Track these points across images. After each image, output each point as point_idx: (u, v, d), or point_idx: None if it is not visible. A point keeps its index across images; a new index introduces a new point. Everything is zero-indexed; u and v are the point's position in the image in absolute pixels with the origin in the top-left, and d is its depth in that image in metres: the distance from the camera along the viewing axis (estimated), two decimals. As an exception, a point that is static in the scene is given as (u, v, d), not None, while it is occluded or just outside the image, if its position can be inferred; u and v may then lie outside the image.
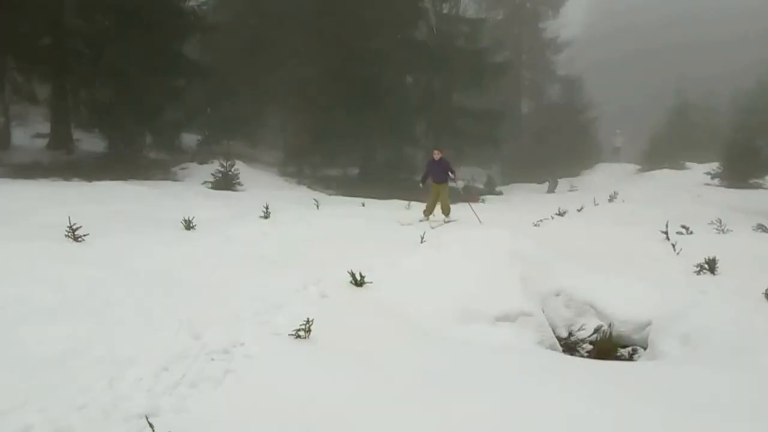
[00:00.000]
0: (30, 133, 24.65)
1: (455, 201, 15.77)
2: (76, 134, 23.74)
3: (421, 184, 15.25)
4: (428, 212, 14.68)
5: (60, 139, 22.76)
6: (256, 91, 28.89)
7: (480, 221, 14.31)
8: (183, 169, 22.94)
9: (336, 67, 26.89)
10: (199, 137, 28.41)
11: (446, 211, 14.54)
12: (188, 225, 11.45)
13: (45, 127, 24.49)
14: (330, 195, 22.59)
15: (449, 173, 14.54)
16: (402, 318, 7.01)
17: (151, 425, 3.72)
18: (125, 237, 10.11)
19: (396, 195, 20.03)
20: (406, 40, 28.83)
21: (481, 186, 33.14)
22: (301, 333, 5.75)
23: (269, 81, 29.14)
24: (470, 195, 28.59)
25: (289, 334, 5.79)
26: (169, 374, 4.88)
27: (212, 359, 5.24)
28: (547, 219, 15.96)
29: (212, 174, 20.61)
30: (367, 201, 14.68)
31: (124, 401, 4.36)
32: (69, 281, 7.36)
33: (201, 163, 23.45)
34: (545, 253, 10.10)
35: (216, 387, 4.75)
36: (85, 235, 9.40)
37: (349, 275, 7.96)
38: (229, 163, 20.89)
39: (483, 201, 27.19)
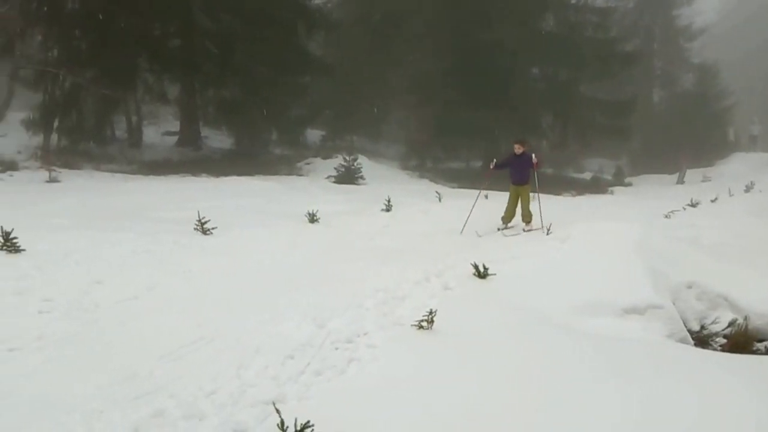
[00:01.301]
0: (161, 132, 26.26)
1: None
2: (204, 132, 25.06)
3: (492, 163, 12.30)
4: (507, 219, 12.08)
5: (189, 137, 24.08)
6: (378, 87, 29.20)
7: (542, 224, 11.28)
8: (307, 164, 23.59)
9: (459, 61, 26.68)
10: (323, 133, 29.05)
11: (527, 218, 11.87)
12: (312, 218, 11.70)
13: (174, 126, 26.11)
14: (452, 188, 22.41)
15: (531, 169, 11.84)
16: (527, 310, 6.76)
17: (278, 411, 3.73)
18: (251, 230, 10.45)
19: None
20: (531, 31, 28.15)
21: (610, 177, 31.85)
22: (424, 324, 5.64)
23: (392, 76, 29.38)
24: (598, 186, 27.68)
25: (411, 325, 5.70)
26: (294, 362, 4.93)
27: (336, 348, 5.26)
28: (678, 210, 15.10)
29: (335, 168, 21.05)
30: (491, 193, 14.38)
31: (251, 388, 4.44)
32: (198, 272, 7.70)
33: (325, 158, 23.96)
34: (676, 244, 9.58)
35: (340, 375, 4.75)
36: (213, 228, 9.81)
37: (472, 267, 7.78)
38: (352, 157, 21.27)
39: (611, 192, 26.17)
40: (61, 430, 3.72)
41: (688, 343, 7.25)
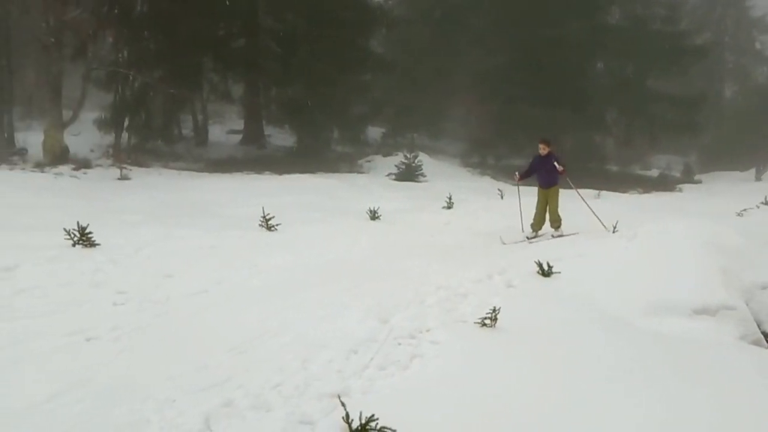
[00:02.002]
0: (225, 130, 26.92)
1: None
2: (268, 130, 25.50)
3: (516, 175, 11.69)
4: (536, 226, 11.10)
5: (253, 135, 24.61)
6: (440, 83, 29.12)
7: (605, 226, 10.56)
8: (368, 161, 23.77)
9: (522, 56, 26.40)
10: (384, 130, 29.15)
11: (556, 223, 10.94)
12: (373, 215, 11.77)
13: (239, 124, 26.79)
14: (514, 185, 22.17)
15: (557, 171, 10.66)
16: (592, 309, 6.64)
17: (343, 404, 3.77)
18: (314, 226, 10.62)
19: (584, 184, 19.18)
20: (597, 25, 27.63)
21: (678, 175, 30.92)
22: (487, 321, 5.59)
23: (454, 72, 29.25)
24: (666, 184, 26.91)
25: (474, 322, 5.66)
26: (358, 357, 4.97)
27: (399, 344, 5.27)
28: (752, 208, 14.53)
29: (396, 166, 21.12)
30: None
31: (316, 381, 4.49)
32: (263, 267, 7.88)
33: (385, 155, 24.12)
34: (750, 243, 9.20)
35: (403, 370, 4.76)
36: (277, 225, 9.99)
37: (535, 265, 7.69)
38: (412, 155, 21.31)
39: (680, 190, 25.44)
40: (136, 417, 3.85)
41: (761, 346, 6.99)
